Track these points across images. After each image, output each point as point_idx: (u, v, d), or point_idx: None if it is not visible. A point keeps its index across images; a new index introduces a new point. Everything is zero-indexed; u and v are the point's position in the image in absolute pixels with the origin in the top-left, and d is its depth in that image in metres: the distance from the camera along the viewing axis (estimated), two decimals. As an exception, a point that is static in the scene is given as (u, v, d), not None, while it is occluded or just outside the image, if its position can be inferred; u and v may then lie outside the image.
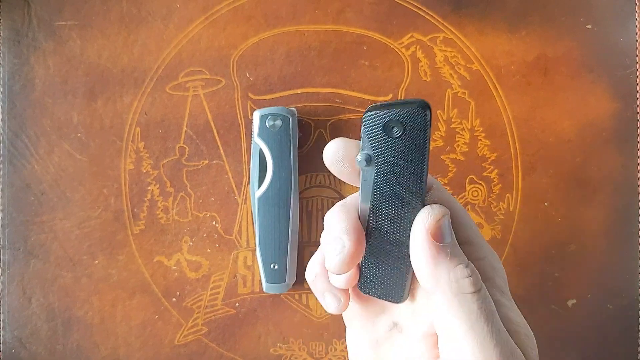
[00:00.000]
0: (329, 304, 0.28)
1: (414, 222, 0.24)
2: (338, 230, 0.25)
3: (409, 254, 0.25)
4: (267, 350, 0.45)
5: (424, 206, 0.24)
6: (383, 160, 0.24)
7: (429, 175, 0.26)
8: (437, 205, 0.24)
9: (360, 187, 0.25)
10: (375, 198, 0.25)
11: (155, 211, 0.45)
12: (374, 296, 0.27)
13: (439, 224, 0.24)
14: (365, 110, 0.24)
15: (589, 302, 0.46)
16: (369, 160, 0.24)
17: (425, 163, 0.24)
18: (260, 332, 0.45)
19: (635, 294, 0.46)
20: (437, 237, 0.24)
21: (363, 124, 0.24)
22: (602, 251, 0.46)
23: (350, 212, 0.26)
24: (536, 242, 0.46)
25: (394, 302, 0.27)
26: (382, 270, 0.26)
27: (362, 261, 0.27)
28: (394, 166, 0.24)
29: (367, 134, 0.24)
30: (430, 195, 0.26)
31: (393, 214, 0.25)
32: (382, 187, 0.24)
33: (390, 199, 0.24)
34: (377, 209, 0.25)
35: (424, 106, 0.23)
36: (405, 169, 0.24)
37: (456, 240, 0.25)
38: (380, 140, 0.23)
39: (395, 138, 0.23)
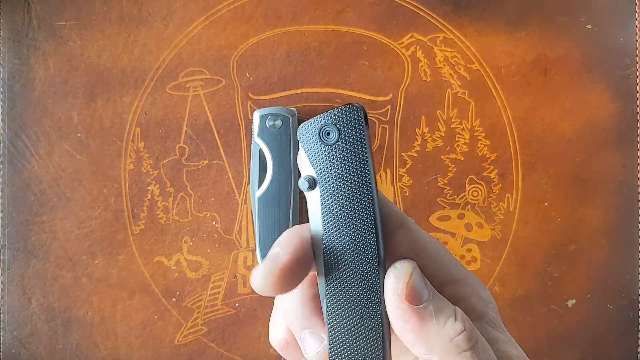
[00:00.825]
0: None
1: (385, 292, 0.22)
2: (277, 247, 0.23)
3: (379, 299, 0.22)
4: (267, 350, 0.45)
5: (378, 234, 0.22)
6: (325, 176, 0.22)
7: (399, 211, 0.24)
8: (401, 263, 0.22)
9: (309, 222, 0.23)
10: (326, 224, 0.22)
11: (155, 211, 0.45)
12: None
13: (412, 283, 0.21)
14: (299, 126, 0.23)
15: (588, 302, 0.46)
16: (312, 182, 0.22)
17: (369, 168, 0.22)
18: (260, 332, 0.45)
19: (635, 294, 0.46)
20: (414, 299, 0.21)
21: (299, 138, 0.22)
22: (602, 251, 0.46)
23: (297, 230, 0.23)
24: (536, 242, 0.46)
25: None
26: (351, 328, 0.22)
27: (327, 322, 0.23)
28: (338, 179, 0.22)
29: (305, 148, 0.22)
30: (402, 233, 0.24)
31: (348, 240, 0.22)
32: (330, 208, 0.22)
33: (342, 222, 0.22)
34: (331, 239, 0.22)
35: (357, 105, 0.22)
36: (350, 180, 0.22)
37: (439, 279, 0.23)
38: (317, 152, 0.22)
39: (332, 145, 0.22)
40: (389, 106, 0.46)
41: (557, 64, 0.46)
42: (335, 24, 0.45)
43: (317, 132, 0.22)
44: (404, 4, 0.45)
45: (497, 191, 0.46)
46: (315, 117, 0.22)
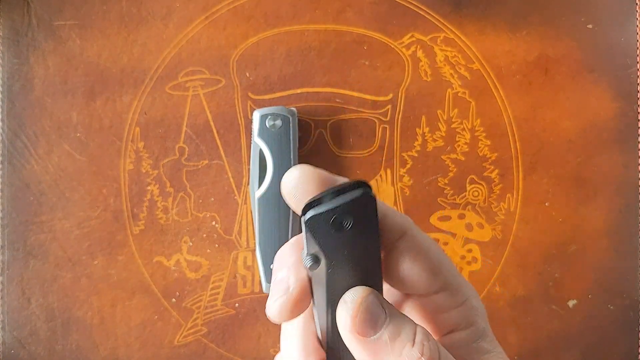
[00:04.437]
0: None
1: (338, 326, 0.22)
2: (285, 269, 0.23)
3: None
4: (267, 350, 0.45)
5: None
6: (335, 258, 0.21)
7: (402, 219, 0.24)
8: (350, 294, 0.21)
9: (312, 288, 0.23)
10: (330, 300, 0.22)
11: (155, 211, 0.45)
12: None
13: (361, 315, 0.21)
14: (303, 208, 0.21)
15: (589, 303, 0.46)
16: (317, 260, 0.21)
17: (379, 252, 0.22)
18: (260, 333, 0.45)
19: (635, 295, 0.46)
20: (366, 331, 0.21)
21: (306, 225, 0.21)
22: (603, 251, 0.46)
23: (297, 247, 0.23)
24: (537, 242, 0.46)
25: None
26: None
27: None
28: (348, 260, 0.22)
29: (312, 232, 0.21)
30: (405, 241, 0.23)
31: None
32: (338, 285, 0.22)
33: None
34: (334, 314, 0.22)
35: (369, 187, 0.21)
36: (361, 258, 0.22)
37: (434, 286, 0.23)
38: (329, 238, 0.21)
39: (346, 231, 0.21)
40: (389, 106, 0.45)
41: (558, 63, 0.46)
42: (335, 24, 0.45)
43: (329, 221, 0.21)
44: (405, 3, 0.45)
45: (498, 191, 0.46)
46: (327, 206, 0.21)
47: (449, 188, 0.46)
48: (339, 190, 0.21)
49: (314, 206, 0.21)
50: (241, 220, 0.45)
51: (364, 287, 0.22)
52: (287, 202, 0.23)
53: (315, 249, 0.21)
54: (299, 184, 0.22)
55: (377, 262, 0.22)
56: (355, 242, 0.21)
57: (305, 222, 0.21)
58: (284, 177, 0.22)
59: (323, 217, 0.21)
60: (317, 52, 0.45)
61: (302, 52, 0.45)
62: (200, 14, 0.45)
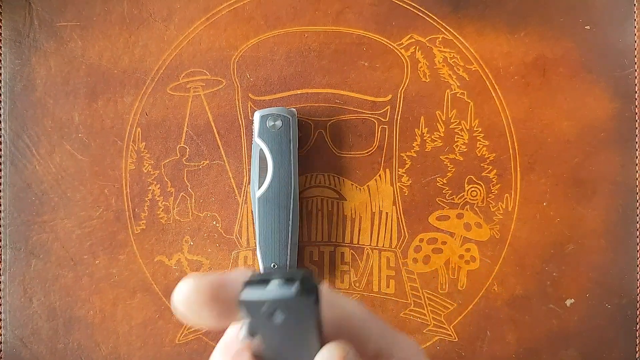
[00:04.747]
0: None
1: None
2: None
3: None
4: (267, 349, 0.46)
5: None
6: (269, 341, 0.21)
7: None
8: (330, 348, 0.20)
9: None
10: None
11: (156, 211, 0.45)
12: None
13: None
14: (245, 283, 0.20)
15: (587, 302, 0.46)
16: (253, 333, 0.21)
17: (320, 337, 0.20)
18: (260, 332, 0.46)
19: (633, 294, 0.46)
20: None
21: (240, 305, 0.20)
22: (601, 251, 0.46)
23: (239, 356, 0.21)
24: (535, 242, 0.46)
25: None
26: None
27: None
28: (283, 347, 0.20)
29: (247, 315, 0.20)
30: (326, 309, 0.21)
31: None
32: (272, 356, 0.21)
33: None
34: None
35: (308, 289, 0.19)
36: (297, 349, 0.20)
37: (366, 354, 0.22)
38: (261, 324, 0.20)
39: (279, 324, 0.20)
40: (389, 107, 0.46)
41: (556, 64, 0.46)
42: (335, 25, 0.46)
43: (259, 310, 0.20)
44: (404, 4, 0.46)
45: (496, 191, 0.46)
46: (259, 294, 0.19)
47: (447, 188, 0.46)
48: (287, 278, 0.19)
49: (252, 285, 0.20)
50: (242, 220, 0.45)
51: (341, 344, 0.20)
52: (182, 316, 0.21)
53: (250, 325, 0.21)
54: (190, 299, 0.21)
55: (314, 352, 0.20)
56: (289, 336, 0.20)
57: (239, 302, 0.20)
58: (175, 290, 0.21)
59: (253, 304, 0.20)
60: (317, 53, 0.45)
61: (302, 53, 0.45)
62: (201, 15, 0.45)
